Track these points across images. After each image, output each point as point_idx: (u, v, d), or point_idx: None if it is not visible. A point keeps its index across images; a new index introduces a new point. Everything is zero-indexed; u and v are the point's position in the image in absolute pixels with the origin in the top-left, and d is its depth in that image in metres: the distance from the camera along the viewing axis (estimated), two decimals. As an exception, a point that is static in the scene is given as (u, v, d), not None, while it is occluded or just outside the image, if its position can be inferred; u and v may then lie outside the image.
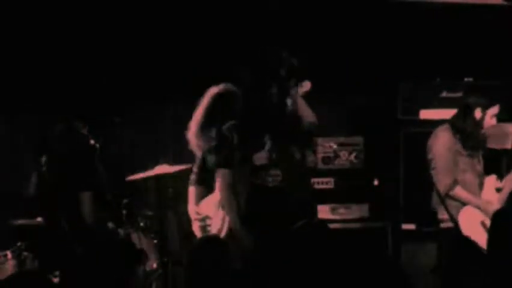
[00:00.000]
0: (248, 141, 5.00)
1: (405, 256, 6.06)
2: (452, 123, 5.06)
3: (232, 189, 4.93)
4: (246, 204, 4.98)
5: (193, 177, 5.27)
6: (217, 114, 5.08)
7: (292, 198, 5.28)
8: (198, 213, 5.19)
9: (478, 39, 6.57)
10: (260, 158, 5.20)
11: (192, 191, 5.26)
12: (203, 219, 5.15)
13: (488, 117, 5.00)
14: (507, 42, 6.51)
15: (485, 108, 4.99)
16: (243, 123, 5.00)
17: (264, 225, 4.92)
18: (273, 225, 4.87)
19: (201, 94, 6.63)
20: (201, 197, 5.22)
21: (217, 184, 4.97)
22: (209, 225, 5.13)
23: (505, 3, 6.52)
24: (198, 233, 5.17)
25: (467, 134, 4.99)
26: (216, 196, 5.08)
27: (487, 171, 5.20)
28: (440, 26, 6.57)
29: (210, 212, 5.12)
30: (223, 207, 4.96)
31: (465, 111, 5.03)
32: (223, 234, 5.00)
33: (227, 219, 5.01)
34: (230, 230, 4.95)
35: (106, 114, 4.53)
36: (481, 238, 4.73)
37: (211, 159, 5.07)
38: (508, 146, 5.68)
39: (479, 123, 5.00)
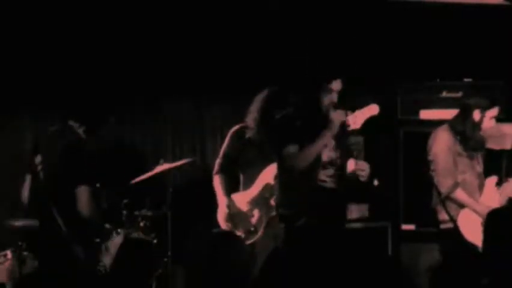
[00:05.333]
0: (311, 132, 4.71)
1: (405, 256, 6.06)
2: (452, 124, 5.06)
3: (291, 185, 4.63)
4: (308, 205, 4.67)
5: (217, 164, 5.18)
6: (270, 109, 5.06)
7: (347, 199, 5.15)
8: (228, 208, 5.03)
9: (478, 39, 6.56)
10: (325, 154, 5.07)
11: (216, 180, 5.16)
12: (233, 216, 5.03)
13: (487, 118, 5.00)
14: (507, 42, 6.51)
15: (484, 110, 4.99)
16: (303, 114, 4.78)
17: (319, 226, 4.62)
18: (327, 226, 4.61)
19: (200, 94, 6.66)
20: (229, 187, 5.10)
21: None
22: (241, 224, 5.00)
23: (505, 3, 6.52)
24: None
25: (467, 135, 4.99)
26: (251, 193, 5.02)
27: (487, 172, 5.20)
28: (439, 26, 6.57)
29: (243, 208, 5.04)
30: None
31: (464, 112, 5.03)
32: (259, 235, 4.97)
33: (264, 219, 4.98)
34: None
35: (102, 114, 4.51)
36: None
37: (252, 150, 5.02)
38: (507, 147, 5.68)
39: (478, 125, 5.00)
